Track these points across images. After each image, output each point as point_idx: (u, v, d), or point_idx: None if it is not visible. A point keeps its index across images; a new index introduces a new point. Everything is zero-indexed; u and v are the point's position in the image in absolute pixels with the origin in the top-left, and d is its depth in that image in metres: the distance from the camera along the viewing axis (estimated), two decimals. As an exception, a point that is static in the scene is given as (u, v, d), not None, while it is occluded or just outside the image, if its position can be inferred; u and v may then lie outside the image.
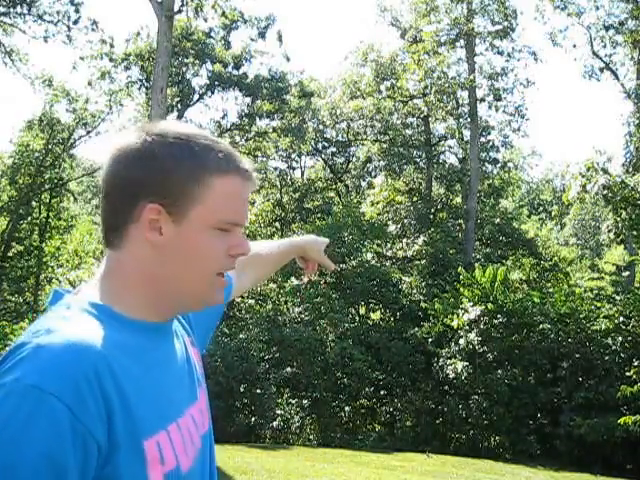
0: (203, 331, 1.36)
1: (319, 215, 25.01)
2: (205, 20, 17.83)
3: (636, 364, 13.26)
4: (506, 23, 22.44)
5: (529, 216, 35.13)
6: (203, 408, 1.19)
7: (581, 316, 14.65)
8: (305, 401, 16.87)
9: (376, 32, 25.66)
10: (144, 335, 1.07)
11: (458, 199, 24.14)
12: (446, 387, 16.20)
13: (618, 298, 15.08)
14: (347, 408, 17.14)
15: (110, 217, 1.06)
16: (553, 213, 37.56)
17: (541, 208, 40.08)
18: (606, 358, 14.31)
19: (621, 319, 14.36)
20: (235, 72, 22.70)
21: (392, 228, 22.53)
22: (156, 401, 1.04)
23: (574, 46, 23.57)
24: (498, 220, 22.93)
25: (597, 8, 22.27)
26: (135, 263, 1.06)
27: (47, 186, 22.20)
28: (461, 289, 15.08)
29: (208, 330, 1.43)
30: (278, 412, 16.15)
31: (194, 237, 1.05)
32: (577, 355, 14.50)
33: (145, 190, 1.03)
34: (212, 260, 1.07)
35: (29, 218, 22.69)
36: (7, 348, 0.99)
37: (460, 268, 15.77)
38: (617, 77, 22.51)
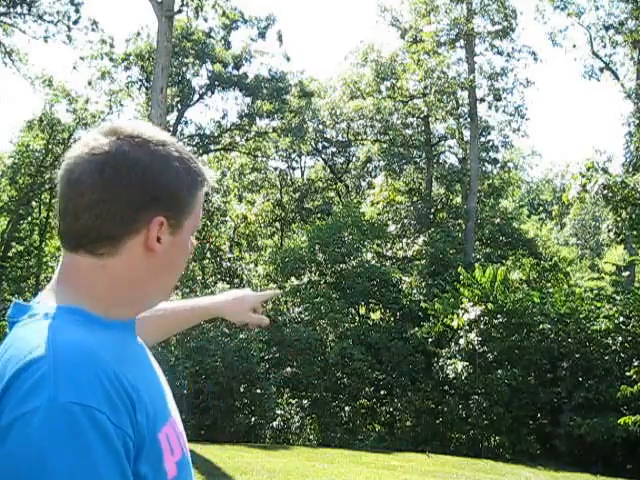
0: None
1: (319, 215, 25.02)
2: (205, 20, 17.89)
3: (636, 364, 13.26)
4: (506, 23, 22.44)
5: (529, 216, 35.12)
6: (183, 437, 1.14)
7: (581, 316, 14.64)
8: (305, 401, 16.88)
9: (376, 32, 25.75)
10: (123, 332, 1.07)
11: (458, 199, 24.13)
12: (446, 387, 16.21)
13: (618, 298, 15.07)
14: (347, 408, 17.14)
15: (106, 226, 1.02)
16: (553, 213, 37.63)
17: (541, 208, 40.10)
18: (606, 358, 14.32)
19: (621, 319, 14.37)
20: (235, 72, 22.70)
21: (392, 228, 22.53)
22: (157, 393, 1.06)
23: (574, 46, 23.60)
24: (498, 220, 22.93)
25: (597, 8, 22.30)
26: (126, 270, 1.04)
27: (47, 186, 22.17)
28: (461, 289, 15.06)
29: None
30: (278, 412, 16.15)
31: (183, 245, 1.11)
32: (577, 355, 14.51)
33: (154, 203, 1.03)
34: (185, 262, 1.15)
35: (29, 218, 22.69)
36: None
37: (460, 268, 15.74)
38: (617, 77, 22.51)
